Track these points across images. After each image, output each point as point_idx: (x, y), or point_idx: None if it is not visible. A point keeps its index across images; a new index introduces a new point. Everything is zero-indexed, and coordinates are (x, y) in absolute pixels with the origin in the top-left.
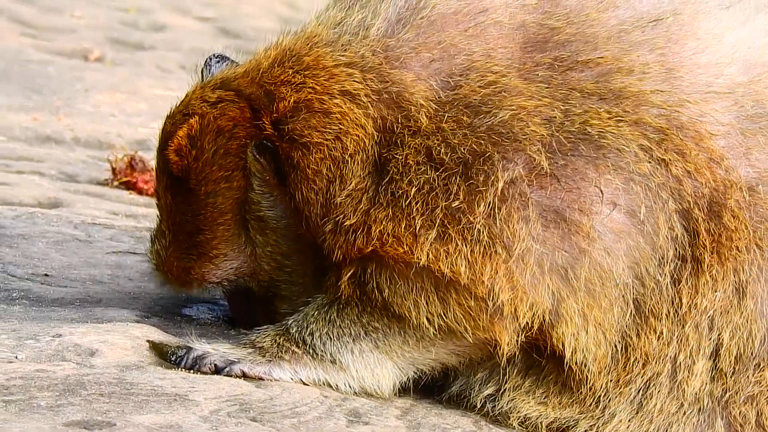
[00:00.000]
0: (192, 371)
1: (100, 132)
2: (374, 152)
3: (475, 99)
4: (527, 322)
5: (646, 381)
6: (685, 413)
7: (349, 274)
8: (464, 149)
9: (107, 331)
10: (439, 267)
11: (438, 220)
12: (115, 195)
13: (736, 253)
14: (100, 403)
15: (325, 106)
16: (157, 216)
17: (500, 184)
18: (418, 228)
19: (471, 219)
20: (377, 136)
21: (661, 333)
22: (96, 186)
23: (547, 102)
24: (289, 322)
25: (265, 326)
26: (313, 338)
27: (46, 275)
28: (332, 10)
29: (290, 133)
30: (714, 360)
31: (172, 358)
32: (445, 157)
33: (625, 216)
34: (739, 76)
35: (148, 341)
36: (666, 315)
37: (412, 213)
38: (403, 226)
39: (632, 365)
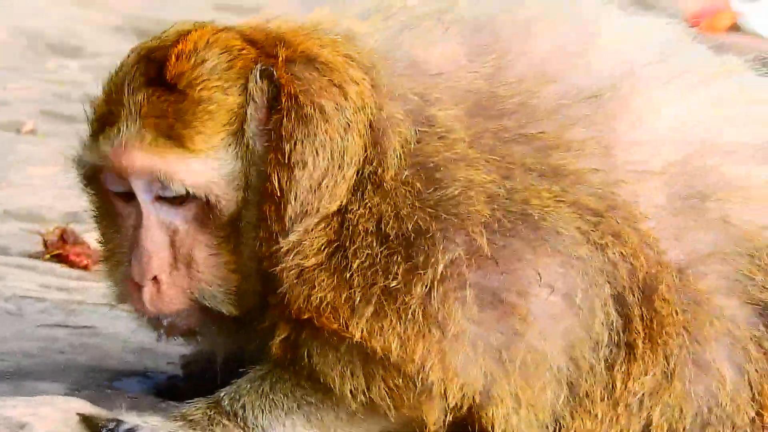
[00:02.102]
0: None
1: (33, 204)
2: (359, 163)
3: (432, 162)
4: (456, 403)
5: None
6: None
7: (283, 336)
8: (410, 225)
9: (38, 404)
10: (372, 344)
11: (375, 297)
12: (46, 268)
13: (666, 337)
14: None
15: (336, 81)
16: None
17: (440, 267)
18: (356, 302)
19: (407, 299)
20: (367, 152)
21: (596, 415)
22: (28, 259)
23: (493, 178)
24: (221, 395)
25: (197, 399)
26: (245, 411)
27: None
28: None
29: (296, 73)
30: None
31: None
32: (391, 232)
33: (562, 300)
34: (672, 155)
35: (78, 414)
36: (600, 398)
37: (353, 286)
38: (343, 298)
39: None
